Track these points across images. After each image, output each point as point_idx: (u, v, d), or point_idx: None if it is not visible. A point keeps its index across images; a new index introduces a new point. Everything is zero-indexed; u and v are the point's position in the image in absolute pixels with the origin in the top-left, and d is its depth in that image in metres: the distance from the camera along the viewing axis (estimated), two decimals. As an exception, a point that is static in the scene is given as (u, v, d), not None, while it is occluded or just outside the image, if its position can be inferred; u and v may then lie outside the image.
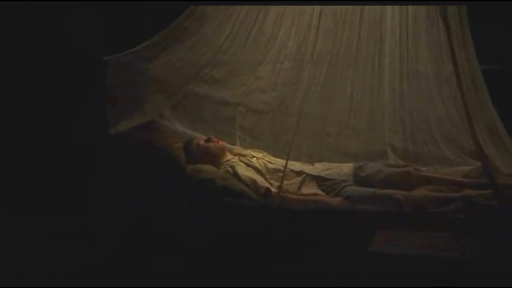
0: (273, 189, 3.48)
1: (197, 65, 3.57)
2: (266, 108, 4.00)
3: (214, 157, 3.71)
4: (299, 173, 3.64)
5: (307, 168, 3.70)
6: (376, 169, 3.69)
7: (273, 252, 3.19)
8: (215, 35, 3.53)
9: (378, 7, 3.59)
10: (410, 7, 3.58)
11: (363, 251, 3.03)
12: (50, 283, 2.90)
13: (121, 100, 3.43)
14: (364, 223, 3.19)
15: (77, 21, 3.58)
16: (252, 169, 3.61)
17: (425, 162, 3.86)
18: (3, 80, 3.67)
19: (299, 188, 3.56)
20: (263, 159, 3.74)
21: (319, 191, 3.54)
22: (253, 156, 3.74)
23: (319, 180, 3.63)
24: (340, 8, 3.58)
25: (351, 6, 3.58)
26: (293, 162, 3.75)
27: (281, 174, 3.61)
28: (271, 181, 3.58)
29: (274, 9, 3.62)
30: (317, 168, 3.72)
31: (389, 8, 3.60)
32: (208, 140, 3.75)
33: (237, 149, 3.89)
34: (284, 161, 3.70)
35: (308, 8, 3.56)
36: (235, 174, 3.54)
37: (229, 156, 3.77)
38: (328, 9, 3.53)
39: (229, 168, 3.60)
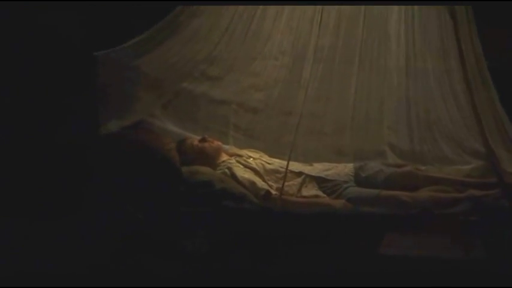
0: (273, 192, 3.33)
1: (193, 61, 3.40)
2: (261, 106, 3.84)
3: (209, 158, 3.53)
4: (298, 174, 3.50)
5: (306, 168, 3.56)
6: (377, 169, 3.57)
7: (275, 257, 3.05)
8: (212, 29, 3.36)
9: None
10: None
11: (369, 254, 2.93)
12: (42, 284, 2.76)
13: (111, 98, 3.23)
14: (371, 226, 3.06)
15: (63, 15, 3.34)
16: (249, 170, 3.45)
17: (425, 161, 3.74)
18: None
19: (299, 190, 3.42)
20: (260, 159, 3.58)
21: (320, 193, 3.40)
22: (250, 157, 3.58)
23: (319, 181, 3.50)
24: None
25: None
26: (291, 162, 3.59)
27: (279, 176, 3.48)
28: (269, 183, 3.43)
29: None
30: (316, 169, 3.59)
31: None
32: (202, 140, 3.57)
33: (232, 149, 3.73)
34: (282, 161, 3.59)
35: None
36: (233, 176, 3.38)
37: (224, 156, 3.60)
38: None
39: (226, 170, 3.44)
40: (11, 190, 3.19)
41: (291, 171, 3.48)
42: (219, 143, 3.63)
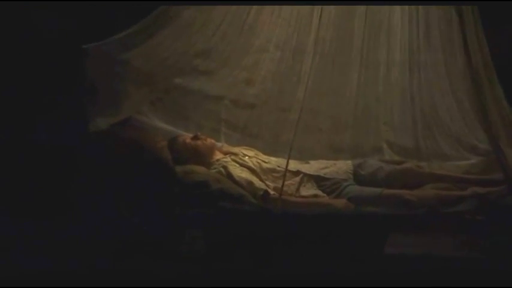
0: (271, 192, 3.19)
1: (187, 55, 3.21)
2: (254, 102, 3.68)
3: (202, 156, 3.37)
4: (296, 173, 3.36)
5: (303, 167, 3.42)
6: (376, 166, 3.45)
7: (275, 259, 2.91)
8: (206, 23, 3.18)
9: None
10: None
11: (373, 255, 2.82)
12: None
13: (101, 94, 3.04)
14: (375, 227, 2.94)
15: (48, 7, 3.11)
16: (246, 169, 3.29)
17: (422, 158, 3.66)
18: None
19: (297, 189, 3.28)
20: (256, 158, 3.43)
21: (319, 192, 3.27)
22: (245, 155, 3.42)
23: (317, 179, 3.36)
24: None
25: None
26: (289, 160, 3.46)
27: (277, 175, 3.34)
28: (267, 182, 3.28)
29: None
30: (313, 167, 3.45)
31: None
32: (195, 138, 3.41)
33: (226, 146, 3.57)
34: (278, 160, 3.46)
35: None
36: (229, 176, 3.22)
37: (218, 155, 3.44)
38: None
39: (222, 169, 3.27)
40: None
41: (289, 170, 3.32)
42: (212, 141, 3.46)
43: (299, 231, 2.94)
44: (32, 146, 2.99)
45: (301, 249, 2.94)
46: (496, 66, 3.10)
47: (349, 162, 3.51)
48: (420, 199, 3.11)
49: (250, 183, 3.18)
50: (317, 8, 3.20)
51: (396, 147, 3.73)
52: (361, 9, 3.40)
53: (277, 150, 3.64)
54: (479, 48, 2.98)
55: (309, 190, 3.28)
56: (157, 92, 3.39)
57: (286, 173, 3.30)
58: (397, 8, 3.40)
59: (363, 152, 3.70)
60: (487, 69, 3.01)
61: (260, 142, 3.66)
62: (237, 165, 3.31)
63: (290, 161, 3.45)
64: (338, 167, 3.44)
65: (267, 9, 3.36)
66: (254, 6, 3.28)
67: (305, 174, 3.35)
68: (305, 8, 3.33)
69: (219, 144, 3.55)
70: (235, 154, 3.42)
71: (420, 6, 3.34)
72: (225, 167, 3.27)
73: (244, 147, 3.56)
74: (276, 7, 3.35)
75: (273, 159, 3.46)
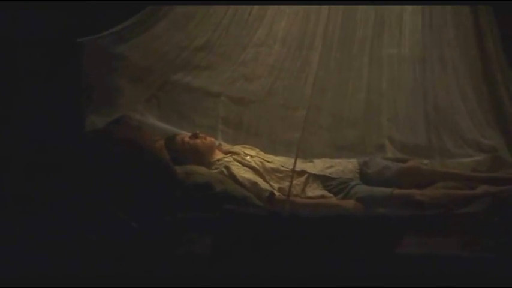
0: (276, 193, 3.04)
1: (187, 49, 3.04)
2: (253, 98, 3.53)
3: (202, 156, 3.20)
4: (301, 173, 3.20)
5: (307, 166, 3.27)
6: (382, 165, 3.33)
7: (284, 262, 2.77)
8: (209, 14, 3.00)
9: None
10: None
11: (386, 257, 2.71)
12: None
13: (97, 91, 2.85)
14: (389, 229, 2.82)
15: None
16: (249, 169, 3.13)
17: (426, 155, 3.54)
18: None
19: (303, 190, 3.13)
20: (258, 157, 3.27)
21: (326, 193, 3.13)
22: (247, 154, 3.26)
23: (323, 179, 3.22)
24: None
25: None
26: (291, 159, 3.30)
27: (281, 175, 3.20)
28: (271, 183, 3.13)
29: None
30: (318, 166, 3.31)
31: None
32: (194, 136, 3.24)
33: (224, 145, 3.41)
34: (282, 159, 3.32)
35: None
36: (232, 176, 3.06)
37: (218, 154, 3.28)
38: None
39: (224, 169, 3.11)
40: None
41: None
42: (212, 139, 3.30)
43: (309, 234, 2.82)
44: (26, 145, 2.78)
45: (310, 253, 2.82)
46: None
47: (354, 160, 3.38)
48: (432, 199, 2.99)
49: (255, 184, 3.03)
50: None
51: (399, 145, 3.61)
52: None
53: (278, 148, 3.51)
54: (491, 37, 2.89)
55: (314, 190, 3.14)
56: (154, 89, 3.20)
57: (291, 173, 3.17)
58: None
59: (365, 149, 3.58)
60: (499, 59, 2.93)
61: (259, 140, 3.52)
62: (240, 165, 3.14)
63: (293, 160, 3.34)
64: (343, 166, 3.31)
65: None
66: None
67: (310, 174, 3.21)
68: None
69: (219, 142, 3.39)
70: (237, 153, 3.26)
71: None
72: (227, 167, 3.11)
73: (245, 146, 3.41)
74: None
75: (276, 158, 3.31)
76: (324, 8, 3.15)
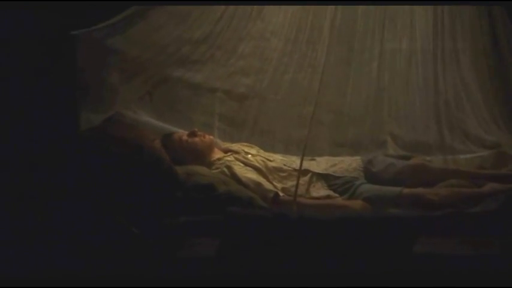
0: (280, 193, 2.91)
1: (190, 42, 2.87)
2: (250, 93, 3.38)
3: (201, 155, 3.05)
4: (304, 172, 3.05)
5: (310, 165, 3.14)
6: (387, 162, 3.21)
7: (293, 268, 2.64)
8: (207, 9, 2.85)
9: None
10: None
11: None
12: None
13: (93, 87, 2.66)
14: (401, 230, 2.71)
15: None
16: (251, 169, 2.99)
17: (428, 151, 3.46)
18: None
19: (307, 190, 3.00)
20: (259, 155, 3.13)
21: (331, 193, 3.00)
22: (248, 153, 3.11)
23: (327, 178, 3.10)
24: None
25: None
26: (293, 158, 3.19)
27: (283, 174, 3.07)
28: (274, 183, 2.99)
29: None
30: (321, 164, 3.18)
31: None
32: (192, 134, 3.08)
33: (224, 144, 3.25)
34: (284, 158, 3.19)
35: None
36: (234, 176, 2.91)
37: (218, 153, 3.13)
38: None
39: (225, 169, 2.96)
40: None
41: (296, 169, 3.06)
42: (211, 137, 3.14)
43: (318, 237, 2.69)
44: (20, 146, 2.59)
45: (319, 256, 2.70)
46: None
47: (358, 158, 3.26)
48: (442, 198, 2.90)
49: (259, 184, 2.89)
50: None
51: (400, 141, 3.52)
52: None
53: (276, 146, 3.38)
54: (504, 29, 2.81)
55: (319, 190, 3.01)
56: (151, 83, 3.03)
57: (294, 172, 3.06)
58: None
59: (366, 146, 3.47)
60: None
61: (258, 138, 3.38)
62: (242, 164, 2.99)
63: (295, 158, 3.21)
64: (347, 164, 3.18)
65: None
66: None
67: (314, 173, 3.08)
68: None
69: (218, 141, 3.23)
70: (237, 152, 3.12)
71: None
72: (228, 167, 2.95)
73: (244, 143, 3.27)
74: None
75: (278, 157, 3.17)
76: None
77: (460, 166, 3.28)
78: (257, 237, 2.68)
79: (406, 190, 2.94)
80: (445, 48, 3.36)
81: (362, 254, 2.69)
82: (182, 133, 3.11)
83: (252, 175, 2.94)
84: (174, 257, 2.61)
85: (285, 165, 3.09)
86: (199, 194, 2.74)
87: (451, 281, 2.61)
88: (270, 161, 3.10)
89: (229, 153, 3.10)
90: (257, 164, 3.02)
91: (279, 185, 3.00)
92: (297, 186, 2.78)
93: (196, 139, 3.06)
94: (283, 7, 3.13)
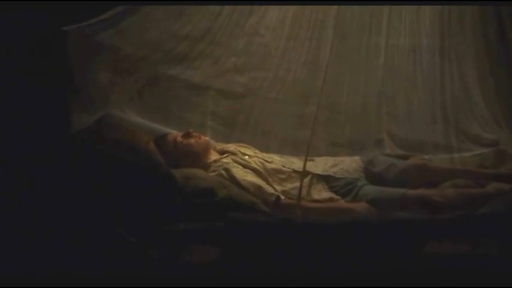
0: (282, 197, 2.78)
1: (189, 38, 2.72)
2: (244, 91, 3.25)
3: (196, 157, 2.90)
4: (304, 173, 2.90)
5: (309, 165, 2.99)
6: (388, 163, 3.11)
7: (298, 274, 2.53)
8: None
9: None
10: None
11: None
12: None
13: (85, 86, 2.50)
14: (411, 233, 2.62)
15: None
16: (250, 171, 2.86)
17: (426, 150, 3.37)
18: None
19: (308, 192, 2.88)
20: (257, 157, 2.99)
21: (333, 195, 2.88)
22: (245, 154, 2.98)
23: (327, 179, 2.98)
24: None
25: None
26: (291, 159, 3.07)
27: (283, 176, 2.94)
28: (273, 185, 2.87)
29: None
30: (320, 165, 3.06)
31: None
32: (187, 135, 2.93)
33: (218, 144, 3.11)
34: (282, 159, 3.06)
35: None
36: (233, 179, 2.77)
37: (214, 155, 2.98)
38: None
39: (223, 172, 2.82)
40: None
41: (295, 171, 2.95)
42: (207, 138, 3.00)
43: (323, 242, 2.58)
44: (13, 148, 2.41)
45: (325, 261, 2.59)
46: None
47: (358, 158, 3.15)
48: (448, 200, 2.81)
49: (259, 187, 2.75)
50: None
51: (398, 140, 3.43)
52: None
53: (272, 146, 3.25)
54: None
55: (321, 192, 2.89)
56: (142, 81, 2.88)
57: (293, 173, 2.94)
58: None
59: (363, 145, 3.37)
60: None
61: (253, 138, 3.24)
62: (240, 166, 2.85)
63: (293, 159, 3.10)
64: (347, 165, 3.08)
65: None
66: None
67: (314, 175, 2.97)
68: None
69: (213, 142, 3.09)
70: (234, 153, 2.98)
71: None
72: (226, 170, 2.81)
73: (239, 144, 3.13)
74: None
75: (276, 158, 3.05)
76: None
77: (461, 165, 3.21)
78: (260, 244, 2.58)
79: (410, 191, 2.84)
80: (445, 46, 3.30)
81: (370, 258, 2.61)
82: (176, 134, 2.96)
83: (252, 178, 2.81)
84: (175, 263, 2.50)
85: (283, 166, 2.96)
86: (198, 199, 2.60)
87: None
88: (268, 162, 2.97)
89: (225, 155, 2.96)
90: (255, 166, 2.89)
91: (278, 188, 2.87)
92: (300, 189, 2.66)
93: (192, 140, 2.92)
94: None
